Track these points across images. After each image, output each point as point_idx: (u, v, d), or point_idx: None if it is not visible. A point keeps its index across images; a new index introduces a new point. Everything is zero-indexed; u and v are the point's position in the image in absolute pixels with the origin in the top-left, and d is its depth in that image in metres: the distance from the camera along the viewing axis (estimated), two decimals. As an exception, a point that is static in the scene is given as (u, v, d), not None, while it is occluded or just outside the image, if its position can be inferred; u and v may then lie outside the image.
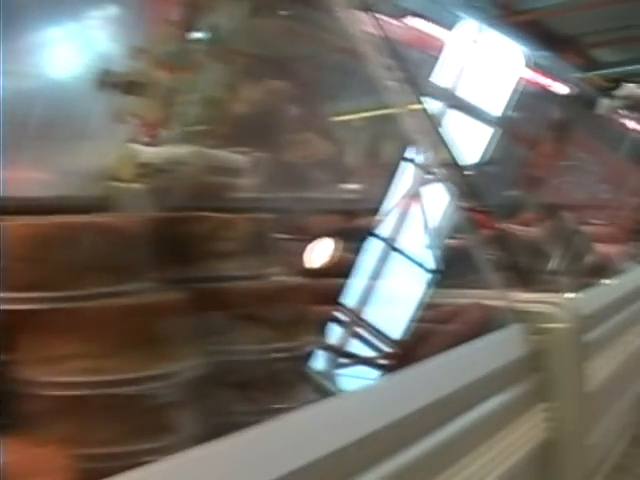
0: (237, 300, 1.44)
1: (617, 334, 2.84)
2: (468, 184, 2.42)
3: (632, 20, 13.00)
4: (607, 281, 2.99)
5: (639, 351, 3.09)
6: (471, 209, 2.38)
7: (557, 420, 2.12)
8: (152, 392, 1.23)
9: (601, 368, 2.53)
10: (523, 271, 2.34)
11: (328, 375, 1.88)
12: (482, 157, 4.39)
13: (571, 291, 2.51)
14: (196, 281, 1.43)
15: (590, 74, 5.29)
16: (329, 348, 2.01)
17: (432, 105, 3.44)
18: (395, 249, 2.61)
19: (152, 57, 2.48)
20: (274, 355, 1.43)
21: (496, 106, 4.52)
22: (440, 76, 4.03)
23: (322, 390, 1.72)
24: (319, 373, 1.77)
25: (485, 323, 2.03)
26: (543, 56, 4.61)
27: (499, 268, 2.26)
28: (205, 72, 2.92)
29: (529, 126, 5.09)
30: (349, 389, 1.63)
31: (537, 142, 5.11)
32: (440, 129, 2.45)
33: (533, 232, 2.94)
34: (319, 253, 2.44)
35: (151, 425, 1.23)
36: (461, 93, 4.20)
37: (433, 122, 2.41)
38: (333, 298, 2.22)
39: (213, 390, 1.37)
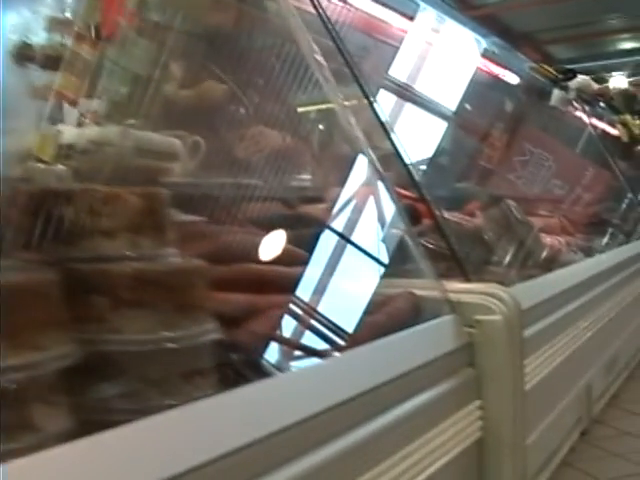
0: (121, 283, 1.26)
1: (561, 329, 2.70)
2: (409, 175, 2.30)
3: (587, 17, 13.06)
4: (552, 273, 2.86)
5: (584, 347, 2.97)
6: (411, 199, 2.27)
7: (493, 419, 1.99)
8: (11, 385, 1.05)
9: (542, 365, 2.40)
10: (461, 260, 2.20)
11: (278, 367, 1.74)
12: (435, 149, 4.27)
13: (512, 282, 2.38)
14: (74, 261, 1.26)
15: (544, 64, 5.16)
16: (275, 340, 1.84)
17: (384, 97, 3.38)
18: (341, 237, 2.45)
19: (73, 29, 2.30)
20: (161, 345, 1.25)
21: (451, 98, 4.40)
22: (397, 66, 3.88)
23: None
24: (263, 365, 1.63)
25: (414, 314, 1.89)
26: (497, 44, 4.48)
27: (436, 257, 2.12)
28: (132, 47, 2.74)
29: (482, 117, 4.98)
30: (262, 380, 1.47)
31: (489, 134, 4.99)
32: (384, 121, 2.32)
33: (476, 221, 2.80)
34: (256, 240, 2.29)
35: (9, 423, 1.05)
36: (417, 84, 4.06)
37: (377, 114, 2.31)
38: (274, 287, 2.06)
39: (87, 384, 1.20)
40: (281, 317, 1.66)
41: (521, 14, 11.31)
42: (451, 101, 4.33)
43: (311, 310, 1.78)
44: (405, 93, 3.91)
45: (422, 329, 1.83)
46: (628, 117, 7.12)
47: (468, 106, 4.48)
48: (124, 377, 1.26)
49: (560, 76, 5.28)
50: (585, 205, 4.96)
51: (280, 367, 1.42)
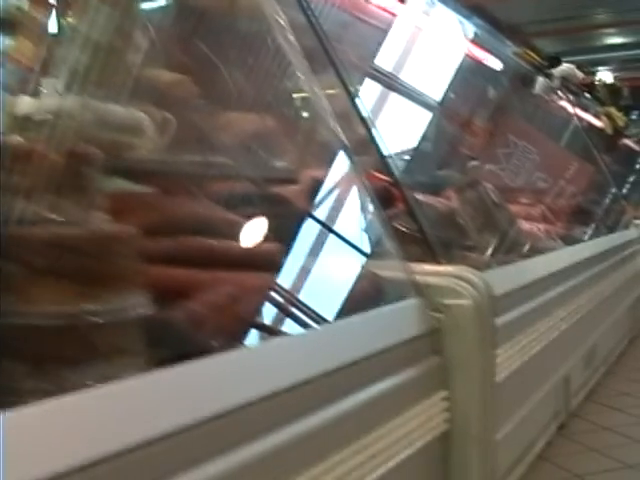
0: (34, 248, 1.11)
1: (536, 319, 2.56)
2: (382, 159, 2.20)
3: (574, 11, 12.99)
4: (529, 260, 2.72)
5: (561, 338, 2.83)
6: (385, 182, 2.13)
7: (460, 411, 1.85)
8: None
9: (515, 355, 2.26)
10: (431, 243, 2.06)
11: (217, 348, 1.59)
12: (418, 136, 4.13)
13: (485, 267, 2.24)
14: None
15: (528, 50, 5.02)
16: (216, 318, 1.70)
17: (366, 81, 3.25)
18: (308, 217, 2.32)
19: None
20: (80, 319, 1.10)
21: (436, 84, 4.27)
22: (380, 48, 3.76)
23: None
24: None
25: (375, 295, 1.74)
26: (481, 26, 4.33)
27: (407, 240, 1.98)
28: (94, 13, 2.59)
29: (465, 105, 4.84)
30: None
31: (472, 121, 4.85)
32: (359, 106, 2.20)
33: (451, 204, 2.65)
34: (214, 216, 2.15)
35: None
36: (401, 69, 3.93)
37: (352, 98, 2.21)
38: (227, 263, 1.93)
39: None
40: (230, 294, 1.51)
41: (508, 6, 11.19)
42: (435, 87, 4.20)
43: (265, 289, 1.63)
44: (388, 78, 3.77)
45: (383, 312, 1.69)
46: (612, 109, 7.02)
47: (452, 92, 4.35)
48: (36, 354, 1.11)
49: (545, 63, 5.14)
50: (568, 197, 4.84)
51: (220, 347, 1.26)
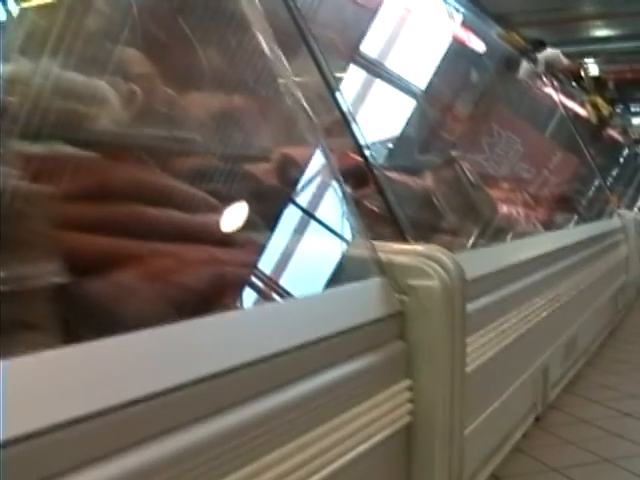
0: None
1: (512, 306, 2.40)
2: (354, 138, 2.06)
3: (562, 2, 12.89)
4: (507, 244, 2.56)
5: (539, 327, 2.68)
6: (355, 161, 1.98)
7: (424, 402, 1.69)
8: None
9: (489, 344, 2.10)
10: (400, 221, 1.90)
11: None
12: (401, 122, 3.98)
13: (458, 248, 2.08)
14: None
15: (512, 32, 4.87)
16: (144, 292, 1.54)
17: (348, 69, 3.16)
18: (271, 194, 2.18)
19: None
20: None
21: (420, 70, 4.13)
22: (369, 35, 3.57)
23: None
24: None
25: (334, 273, 1.58)
26: (464, 4, 4.17)
27: (377, 219, 1.82)
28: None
29: (448, 90, 4.69)
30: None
31: (455, 107, 4.71)
32: (335, 91, 2.08)
33: (425, 183, 2.49)
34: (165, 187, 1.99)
35: None
36: (386, 56, 3.79)
37: (328, 84, 2.08)
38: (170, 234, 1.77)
39: None
40: (165, 268, 1.34)
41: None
42: (419, 71, 4.08)
43: (208, 262, 1.46)
44: (371, 62, 3.64)
45: (342, 291, 1.53)
46: (598, 98, 6.90)
47: (436, 77, 4.21)
48: None
49: (529, 47, 5.00)
50: (551, 185, 4.70)
51: (151, 323, 1.10)
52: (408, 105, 3.98)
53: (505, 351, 2.23)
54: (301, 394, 1.31)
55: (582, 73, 7.62)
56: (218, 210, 1.79)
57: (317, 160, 2.21)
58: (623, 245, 5.07)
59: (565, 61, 5.65)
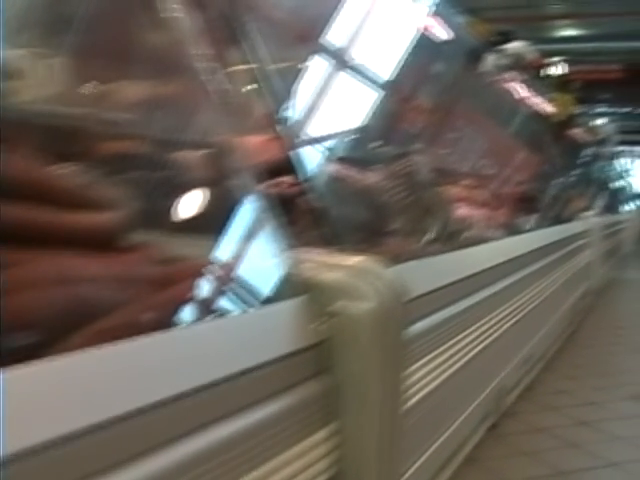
0: None
1: (463, 324, 2.07)
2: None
3: (532, 0, 12.72)
4: (459, 252, 2.22)
5: (493, 346, 2.36)
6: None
7: (353, 450, 1.36)
8: None
9: (433, 373, 1.77)
10: (331, 226, 1.57)
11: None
12: (359, 114, 3.70)
13: (400, 259, 1.75)
14: None
15: (477, 20, 4.57)
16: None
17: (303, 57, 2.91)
18: (180, 188, 1.84)
19: None
20: None
21: (380, 59, 3.85)
22: (331, 24, 3.27)
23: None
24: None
25: (239, 292, 1.25)
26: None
27: (300, 222, 1.49)
28: None
29: (409, 81, 4.41)
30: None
31: (416, 98, 4.42)
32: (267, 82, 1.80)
33: (369, 180, 2.15)
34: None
35: None
36: (345, 44, 3.50)
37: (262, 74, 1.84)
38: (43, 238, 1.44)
39: None
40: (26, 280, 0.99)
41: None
42: (379, 60, 3.80)
43: (84, 276, 1.12)
44: (329, 50, 3.36)
45: (246, 318, 1.19)
46: (564, 96, 6.68)
47: (397, 67, 3.93)
48: None
49: (495, 38, 4.71)
50: (513, 185, 4.42)
51: None
52: (367, 94, 3.72)
53: (453, 378, 1.91)
54: (198, 450, 0.99)
55: (549, 69, 7.40)
56: (107, 206, 1.45)
57: (240, 153, 1.95)
58: (586, 250, 4.79)
59: (532, 55, 5.36)
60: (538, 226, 4.00)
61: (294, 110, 2.45)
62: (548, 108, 6.15)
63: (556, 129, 6.14)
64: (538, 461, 2.66)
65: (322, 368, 1.33)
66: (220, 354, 1.11)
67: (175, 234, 1.47)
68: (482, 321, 2.21)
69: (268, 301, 1.28)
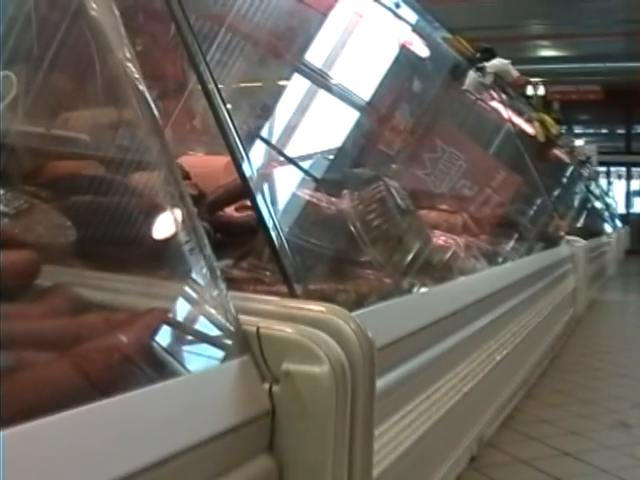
0: None
1: (440, 370, 1.80)
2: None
3: (511, 20, 12.65)
4: (437, 287, 1.95)
5: (474, 390, 2.08)
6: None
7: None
8: None
9: (408, 430, 1.50)
10: (286, 263, 1.30)
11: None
12: (333, 134, 3.48)
13: (367, 300, 1.48)
14: None
15: (459, 36, 4.34)
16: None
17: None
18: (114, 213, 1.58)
19: None
20: None
21: (357, 76, 3.64)
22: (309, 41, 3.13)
23: None
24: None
25: (161, 354, 0.97)
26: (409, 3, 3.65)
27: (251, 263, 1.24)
28: None
29: (387, 98, 4.19)
30: None
31: (394, 117, 4.20)
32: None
33: (341, 206, 1.89)
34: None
35: None
36: (319, 61, 3.30)
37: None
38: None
39: None
40: None
41: (444, 8, 10.81)
42: (356, 77, 3.58)
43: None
44: (300, 67, 3.14)
45: (166, 390, 0.92)
46: (546, 116, 6.48)
47: (374, 84, 3.73)
48: None
49: (477, 55, 4.48)
50: (495, 208, 4.18)
51: None
52: (343, 113, 3.50)
53: (429, 434, 1.63)
54: None
55: (531, 90, 7.21)
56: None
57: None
58: (571, 276, 4.54)
59: (515, 74, 5.14)
60: (522, 253, 3.75)
61: (262, 130, 2.25)
62: (531, 128, 5.96)
63: (539, 149, 5.95)
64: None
65: (266, 445, 1.06)
66: (129, 440, 0.84)
67: (101, 269, 1.21)
68: (460, 365, 1.94)
69: (197, 364, 1.01)
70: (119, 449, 0.82)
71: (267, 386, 1.06)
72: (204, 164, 2.42)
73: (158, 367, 0.95)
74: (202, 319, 1.04)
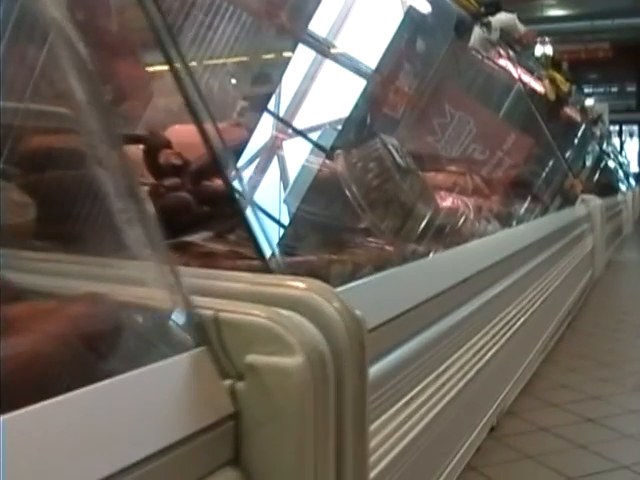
0: None
1: (448, 349, 1.56)
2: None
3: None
4: (441, 253, 1.70)
5: (486, 369, 1.86)
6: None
7: None
8: None
9: (408, 424, 1.28)
10: (262, 236, 1.09)
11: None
12: (340, 102, 3.31)
13: (360, 273, 1.25)
14: None
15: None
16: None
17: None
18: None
19: None
20: None
21: (368, 45, 3.48)
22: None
23: None
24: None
25: (100, 348, 0.77)
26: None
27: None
28: None
29: (393, 62, 3.98)
30: None
31: (400, 80, 3.97)
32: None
33: (335, 167, 1.66)
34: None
35: None
36: (320, 26, 3.01)
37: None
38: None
39: None
40: None
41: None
42: (357, 38, 3.38)
43: None
44: (303, 34, 2.91)
45: (102, 393, 0.71)
46: (556, 73, 6.20)
47: (374, 43, 3.54)
48: None
49: (482, 9, 4.23)
50: (508, 169, 3.96)
51: None
52: (343, 76, 3.32)
53: (437, 420, 1.41)
54: None
55: (540, 48, 6.95)
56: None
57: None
58: (589, 236, 4.30)
59: (522, 29, 4.88)
60: (537, 214, 3.52)
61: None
62: (541, 86, 5.70)
63: (551, 108, 5.70)
64: (543, 466, 2.35)
65: (229, 456, 0.85)
66: (38, 466, 0.63)
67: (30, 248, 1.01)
68: (472, 341, 1.71)
69: (146, 357, 0.80)
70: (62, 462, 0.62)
71: (229, 384, 0.85)
72: (194, 134, 2.25)
73: (82, 369, 0.74)
74: (142, 304, 0.82)
